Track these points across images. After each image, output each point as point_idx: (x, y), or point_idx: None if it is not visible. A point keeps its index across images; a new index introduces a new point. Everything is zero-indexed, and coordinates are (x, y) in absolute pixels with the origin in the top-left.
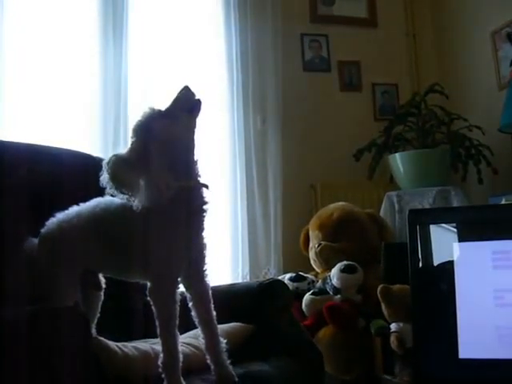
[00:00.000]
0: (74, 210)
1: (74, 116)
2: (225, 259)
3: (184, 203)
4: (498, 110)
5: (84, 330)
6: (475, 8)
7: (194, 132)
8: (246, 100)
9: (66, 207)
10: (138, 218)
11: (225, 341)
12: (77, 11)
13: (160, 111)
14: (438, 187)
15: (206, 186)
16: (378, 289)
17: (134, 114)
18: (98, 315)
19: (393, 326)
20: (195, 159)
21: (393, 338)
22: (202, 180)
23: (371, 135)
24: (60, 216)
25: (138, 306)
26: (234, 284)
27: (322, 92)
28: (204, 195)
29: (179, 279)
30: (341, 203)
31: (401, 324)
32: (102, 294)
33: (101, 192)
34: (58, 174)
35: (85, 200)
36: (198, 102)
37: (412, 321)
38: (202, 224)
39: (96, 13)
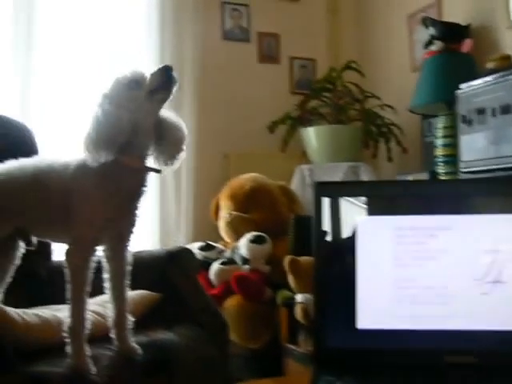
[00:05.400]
0: (13, 163)
1: None
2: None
3: (126, 178)
4: (410, 90)
5: None
6: None
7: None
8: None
9: None
10: (74, 177)
11: (132, 319)
12: None
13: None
14: (349, 163)
15: (158, 171)
16: (286, 260)
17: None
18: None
19: (298, 297)
20: (149, 142)
21: (298, 309)
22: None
23: (287, 108)
24: None
25: (41, 272)
26: (142, 251)
27: (241, 62)
28: (147, 178)
29: (102, 248)
30: (253, 174)
31: (306, 295)
32: (17, 258)
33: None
34: None
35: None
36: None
37: (313, 292)
38: (138, 203)
39: None
